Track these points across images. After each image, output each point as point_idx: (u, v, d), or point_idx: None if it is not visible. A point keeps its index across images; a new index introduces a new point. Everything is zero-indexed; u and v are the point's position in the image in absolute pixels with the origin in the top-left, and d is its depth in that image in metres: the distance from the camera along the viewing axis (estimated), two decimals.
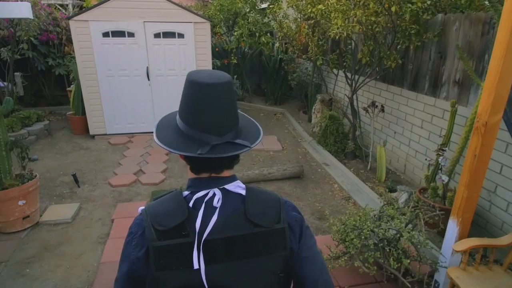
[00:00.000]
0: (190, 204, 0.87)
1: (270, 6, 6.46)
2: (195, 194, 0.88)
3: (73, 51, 5.62)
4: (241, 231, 0.86)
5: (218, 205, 0.87)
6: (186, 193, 0.90)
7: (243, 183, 0.96)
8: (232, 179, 0.93)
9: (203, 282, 0.84)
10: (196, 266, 0.83)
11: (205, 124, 0.86)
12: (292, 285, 0.99)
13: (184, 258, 0.84)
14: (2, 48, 6.24)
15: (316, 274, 0.96)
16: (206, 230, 0.84)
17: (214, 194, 0.88)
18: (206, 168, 0.90)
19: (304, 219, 1.00)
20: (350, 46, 5.20)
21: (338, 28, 4.03)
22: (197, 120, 0.87)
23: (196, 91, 0.90)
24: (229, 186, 0.90)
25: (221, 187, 0.89)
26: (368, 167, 4.69)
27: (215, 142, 0.85)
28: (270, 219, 0.89)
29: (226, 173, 0.92)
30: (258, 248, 0.88)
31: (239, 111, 0.96)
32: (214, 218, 0.85)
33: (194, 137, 0.87)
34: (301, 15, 6.17)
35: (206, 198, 0.88)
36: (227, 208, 0.88)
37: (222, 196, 0.89)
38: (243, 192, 0.91)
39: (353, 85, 4.85)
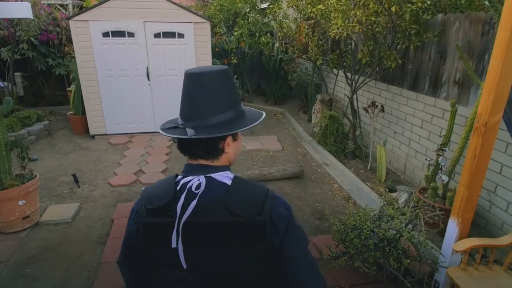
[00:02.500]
0: (178, 188, 0.94)
1: (270, 6, 6.45)
2: (184, 178, 0.96)
3: (73, 51, 5.62)
4: (219, 219, 0.90)
5: (199, 191, 0.92)
6: (179, 177, 0.98)
7: None
8: (221, 169, 0.97)
9: (181, 262, 0.91)
10: (173, 245, 0.90)
11: (181, 108, 0.98)
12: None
13: (165, 236, 0.91)
14: (2, 48, 6.24)
15: (303, 276, 0.94)
16: (185, 213, 0.90)
17: (198, 181, 0.94)
18: (183, 151, 1.01)
19: (292, 218, 0.96)
20: (350, 46, 5.20)
21: (338, 28, 4.03)
22: (180, 105, 0.99)
23: (184, 80, 0.98)
24: (216, 175, 0.95)
25: (208, 175, 0.95)
26: (368, 167, 4.69)
27: (178, 124, 0.97)
28: (251, 211, 0.89)
29: (216, 163, 0.98)
30: (235, 237, 0.90)
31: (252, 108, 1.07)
32: (194, 203, 0.91)
33: (175, 120, 1.02)
34: (301, 15, 6.17)
35: (190, 184, 0.94)
36: (209, 195, 0.92)
37: (206, 184, 0.93)
38: (229, 182, 0.94)
39: (353, 85, 4.85)
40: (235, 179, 0.95)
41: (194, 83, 0.95)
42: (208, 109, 0.95)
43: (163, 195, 0.94)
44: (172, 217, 0.91)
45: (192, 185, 0.94)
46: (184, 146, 0.99)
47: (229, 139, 0.98)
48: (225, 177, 0.96)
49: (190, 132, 0.93)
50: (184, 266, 0.92)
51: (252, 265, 0.93)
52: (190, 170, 0.98)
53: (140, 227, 0.94)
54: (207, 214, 0.91)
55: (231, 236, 0.90)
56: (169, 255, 0.92)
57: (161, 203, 0.93)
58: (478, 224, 3.15)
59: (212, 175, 0.95)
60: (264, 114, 1.06)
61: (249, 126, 0.98)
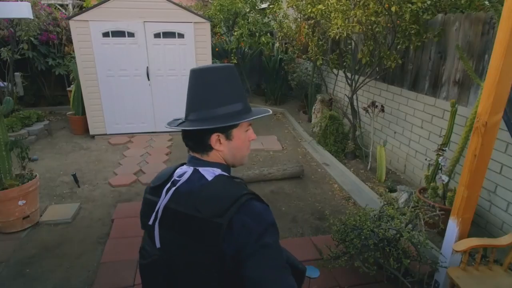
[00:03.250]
0: (174, 173, 1.03)
1: (270, 6, 6.45)
2: (182, 166, 1.05)
3: (73, 51, 5.62)
4: (186, 210, 0.93)
5: (181, 179, 0.98)
6: (183, 165, 1.06)
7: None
8: (211, 165, 1.00)
9: (155, 240, 0.98)
10: (150, 222, 1.00)
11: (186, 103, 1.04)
12: None
13: (151, 213, 1.00)
14: (2, 48, 6.24)
15: None
16: (165, 198, 0.98)
17: (184, 171, 1.01)
18: (184, 142, 1.04)
19: (263, 234, 0.85)
20: (350, 46, 5.20)
21: (338, 28, 4.03)
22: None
23: (189, 77, 1.04)
24: (202, 169, 0.99)
25: (196, 167, 1.00)
26: (368, 167, 4.69)
27: (182, 118, 1.04)
28: (211, 210, 0.88)
29: (205, 157, 1.01)
30: (194, 233, 0.91)
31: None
32: (172, 190, 0.98)
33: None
34: (301, 15, 6.17)
35: (180, 172, 1.01)
36: (186, 186, 0.97)
37: (190, 175, 0.98)
38: (210, 178, 0.96)
39: (353, 85, 4.85)
40: (217, 177, 0.96)
41: (195, 78, 1.00)
42: (201, 103, 1.00)
43: (161, 177, 1.05)
44: (158, 198, 1.00)
45: (181, 173, 1.00)
46: (183, 137, 1.05)
47: (219, 136, 0.98)
48: (210, 173, 0.98)
49: (173, 124, 1.02)
50: (158, 245, 0.98)
51: (206, 267, 0.89)
52: (188, 161, 1.05)
53: (142, 201, 1.08)
54: (180, 203, 0.95)
55: (191, 230, 0.92)
56: (150, 232, 1.00)
57: (157, 184, 1.03)
58: (478, 224, 3.15)
59: (199, 168, 0.99)
60: (269, 112, 1.06)
61: (229, 123, 0.97)
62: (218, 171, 0.99)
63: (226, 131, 0.99)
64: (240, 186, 0.96)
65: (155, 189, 1.03)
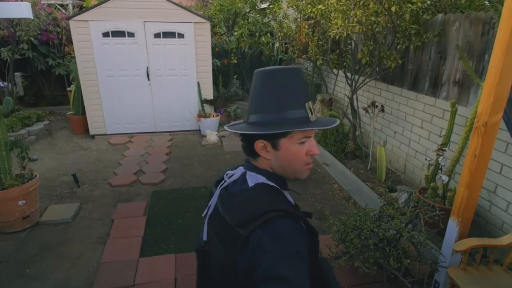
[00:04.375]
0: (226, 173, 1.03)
1: (270, 6, 6.45)
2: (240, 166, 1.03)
3: (73, 51, 5.63)
4: (222, 211, 0.93)
5: (229, 180, 0.99)
6: None
7: None
8: (259, 171, 0.96)
9: (203, 232, 1.02)
10: (203, 214, 1.03)
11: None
12: None
13: (207, 205, 1.03)
14: (2, 48, 6.24)
15: None
16: (216, 195, 1.00)
17: (234, 172, 1.01)
18: None
19: (271, 261, 0.76)
20: (350, 46, 5.20)
21: (338, 28, 4.03)
22: None
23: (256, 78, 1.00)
24: (249, 174, 0.97)
25: (247, 170, 0.98)
26: (368, 167, 4.69)
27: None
28: (237, 219, 0.85)
29: (254, 163, 0.98)
30: (221, 234, 0.91)
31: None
32: (219, 190, 1.00)
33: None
34: (301, 15, 6.16)
35: (231, 172, 1.01)
36: (231, 188, 0.98)
37: (239, 177, 0.98)
38: (251, 185, 0.93)
39: (353, 85, 4.85)
40: (257, 185, 0.92)
41: (256, 79, 0.95)
42: (257, 106, 0.94)
43: (225, 172, 1.04)
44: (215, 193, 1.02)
45: (229, 173, 1.00)
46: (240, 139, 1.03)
47: (264, 144, 0.92)
48: (253, 179, 0.94)
49: (228, 127, 1.01)
50: (204, 237, 1.01)
51: (227, 273, 0.87)
52: (244, 162, 1.04)
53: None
54: (222, 203, 0.95)
55: (221, 233, 0.92)
56: (203, 222, 1.04)
57: (218, 178, 1.05)
58: (478, 224, 3.15)
59: (248, 171, 0.97)
60: (337, 122, 0.95)
61: (263, 132, 0.89)
62: (262, 179, 0.94)
63: (272, 140, 0.91)
64: (277, 200, 0.89)
65: (216, 183, 1.04)
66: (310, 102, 0.92)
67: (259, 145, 0.93)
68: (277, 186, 0.95)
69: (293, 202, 1.03)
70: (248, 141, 0.95)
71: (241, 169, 0.99)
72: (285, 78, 0.91)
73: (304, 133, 0.91)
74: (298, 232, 0.83)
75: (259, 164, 0.97)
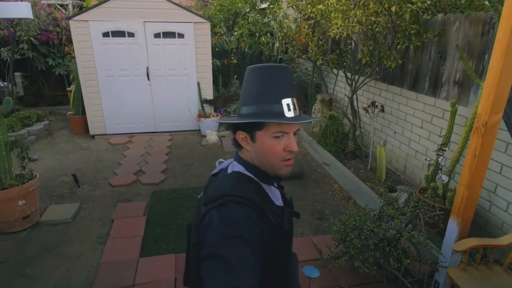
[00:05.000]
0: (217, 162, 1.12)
1: (270, 6, 6.45)
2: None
3: (73, 51, 5.62)
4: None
5: (217, 168, 1.08)
6: None
7: None
8: (240, 160, 1.02)
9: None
10: (198, 196, 1.08)
11: None
12: None
13: None
14: (2, 48, 6.24)
15: None
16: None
17: (223, 160, 1.10)
18: None
19: (221, 242, 0.80)
20: (350, 46, 5.20)
21: (338, 28, 4.03)
22: None
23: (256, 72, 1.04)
24: (233, 163, 1.04)
25: (234, 160, 1.05)
26: (368, 167, 4.69)
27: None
28: (204, 199, 0.93)
29: (240, 153, 1.04)
30: (196, 213, 0.99)
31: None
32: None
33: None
34: (301, 15, 6.16)
35: (222, 161, 1.10)
36: (218, 175, 1.06)
37: (226, 167, 1.05)
38: (228, 172, 1.01)
39: (353, 85, 4.85)
40: (233, 173, 0.99)
41: (246, 75, 1.00)
42: (243, 99, 0.99)
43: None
44: None
45: (221, 161, 1.09)
46: None
47: (245, 135, 0.97)
48: (234, 167, 1.01)
49: (229, 118, 1.07)
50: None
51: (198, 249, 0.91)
52: None
53: None
54: (206, 186, 1.05)
55: (197, 211, 1.00)
56: None
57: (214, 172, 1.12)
58: (478, 224, 3.15)
59: (233, 161, 1.04)
60: (311, 120, 1.00)
61: (235, 121, 0.97)
62: (240, 168, 0.99)
63: (250, 132, 0.95)
64: (243, 187, 0.92)
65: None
66: (292, 99, 0.94)
67: (240, 136, 0.98)
68: (254, 178, 0.98)
69: (279, 198, 1.05)
70: (233, 132, 1.01)
71: (229, 160, 1.07)
72: (267, 75, 0.94)
73: (279, 128, 0.92)
74: (249, 220, 0.85)
75: (243, 155, 1.02)
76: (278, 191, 1.08)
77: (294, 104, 0.94)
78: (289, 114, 0.92)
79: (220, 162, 1.08)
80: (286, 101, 0.92)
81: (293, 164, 1.02)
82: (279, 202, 1.04)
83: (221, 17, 7.71)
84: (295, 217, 1.06)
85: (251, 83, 0.96)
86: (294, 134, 0.96)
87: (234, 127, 0.99)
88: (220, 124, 6.23)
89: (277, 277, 0.96)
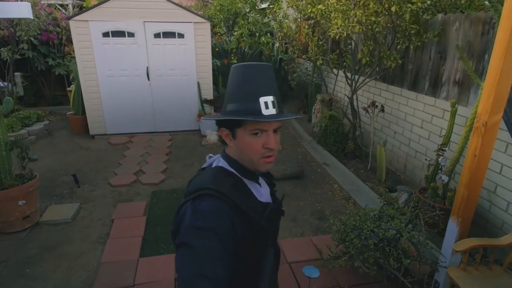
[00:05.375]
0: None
1: (270, 6, 6.45)
2: None
3: (73, 51, 5.62)
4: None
5: (206, 162, 1.10)
6: None
7: None
8: (225, 156, 1.05)
9: None
10: None
11: None
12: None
13: None
14: (2, 48, 6.24)
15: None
16: None
17: (212, 156, 1.12)
18: None
19: (189, 231, 0.86)
20: (350, 46, 5.20)
21: (338, 28, 4.03)
22: None
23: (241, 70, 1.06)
24: (218, 159, 1.07)
25: (220, 156, 1.08)
26: (368, 167, 4.69)
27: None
28: (186, 192, 0.98)
29: (226, 149, 1.05)
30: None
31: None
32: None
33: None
34: (301, 15, 6.16)
35: (211, 156, 1.13)
36: (206, 168, 1.09)
37: (211, 161, 1.09)
38: (213, 166, 1.05)
39: (353, 85, 4.85)
40: (215, 167, 1.03)
41: (231, 72, 1.01)
42: (227, 97, 1.01)
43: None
44: None
45: (210, 155, 1.12)
46: None
47: (227, 132, 1.00)
48: (220, 162, 1.04)
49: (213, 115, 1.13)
50: None
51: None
52: None
53: None
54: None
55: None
56: None
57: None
58: (478, 224, 3.15)
59: (220, 156, 1.07)
60: (291, 117, 1.00)
61: (214, 118, 1.02)
62: (223, 163, 1.03)
63: (231, 129, 0.98)
64: (220, 182, 0.94)
65: None
66: (271, 97, 0.95)
67: (223, 133, 1.01)
68: (235, 173, 1.01)
69: (265, 194, 1.07)
70: (218, 129, 1.05)
71: (219, 154, 1.09)
72: (247, 73, 0.96)
73: (256, 125, 0.94)
74: (221, 213, 0.88)
75: (228, 151, 1.04)
76: (267, 188, 1.12)
77: (273, 102, 0.94)
78: (267, 112, 0.93)
79: (210, 157, 1.11)
80: (263, 99, 0.93)
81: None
82: (264, 198, 1.06)
83: (221, 17, 7.71)
84: (279, 215, 1.10)
85: (233, 81, 0.98)
86: (276, 131, 0.98)
87: (218, 124, 1.02)
88: None
89: (252, 271, 0.97)
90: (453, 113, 3.21)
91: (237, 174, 1.01)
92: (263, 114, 0.93)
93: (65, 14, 7.61)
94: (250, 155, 0.97)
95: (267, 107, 0.93)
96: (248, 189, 1.01)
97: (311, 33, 5.48)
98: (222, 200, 0.90)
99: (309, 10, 4.63)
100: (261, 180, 1.11)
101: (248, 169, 1.01)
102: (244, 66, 0.97)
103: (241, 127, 0.96)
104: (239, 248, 0.90)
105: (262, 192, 1.06)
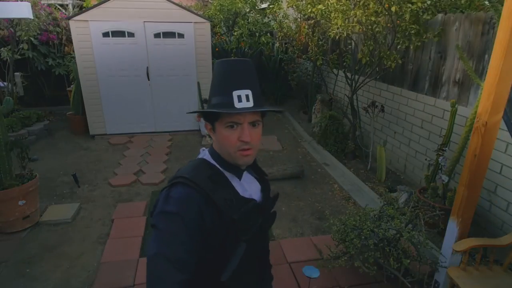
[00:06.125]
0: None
1: (270, 6, 6.45)
2: None
3: (73, 51, 5.62)
4: None
5: (199, 154, 1.12)
6: None
7: None
8: (210, 150, 1.08)
9: None
10: None
11: None
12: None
13: None
14: (2, 48, 6.24)
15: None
16: None
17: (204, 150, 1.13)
18: None
19: (157, 215, 0.94)
20: (350, 46, 5.20)
21: (338, 28, 4.03)
22: None
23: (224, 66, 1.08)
24: (205, 152, 1.10)
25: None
26: (368, 167, 4.69)
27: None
28: (169, 179, 1.01)
29: (213, 143, 1.08)
30: None
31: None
32: None
33: None
34: (301, 15, 6.17)
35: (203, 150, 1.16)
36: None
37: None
38: (198, 157, 1.09)
39: (353, 85, 4.85)
40: (197, 159, 1.07)
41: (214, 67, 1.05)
42: (210, 90, 1.04)
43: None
44: None
45: (204, 147, 1.14)
46: None
47: (210, 126, 1.03)
48: (205, 155, 1.07)
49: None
50: None
51: None
52: None
53: None
54: None
55: None
56: None
57: None
58: (478, 224, 3.15)
59: (208, 149, 1.10)
60: (265, 109, 1.00)
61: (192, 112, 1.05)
62: (206, 156, 1.06)
63: (212, 123, 1.01)
64: (196, 172, 0.98)
65: None
66: (245, 91, 0.96)
67: (207, 127, 1.05)
68: (217, 166, 1.03)
69: (249, 190, 1.08)
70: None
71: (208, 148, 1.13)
72: (225, 68, 0.99)
73: (229, 118, 0.96)
74: (189, 200, 0.93)
75: (213, 144, 1.08)
76: (255, 185, 1.13)
77: (247, 96, 0.96)
78: (239, 105, 0.94)
79: (203, 150, 1.14)
80: (237, 93, 0.95)
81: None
82: (248, 194, 1.07)
83: (221, 17, 7.71)
84: (263, 212, 1.10)
85: (213, 77, 1.02)
86: (255, 125, 0.99)
87: (204, 119, 1.06)
88: None
89: (221, 263, 0.98)
90: (453, 113, 3.21)
91: (219, 167, 1.03)
92: (235, 107, 0.95)
93: (65, 14, 7.61)
94: (227, 148, 1.00)
95: (240, 100, 0.95)
96: (228, 182, 1.03)
97: (311, 33, 5.49)
98: (194, 189, 0.93)
99: (309, 10, 4.63)
100: (248, 176, 1.12)
101: (229, 162, 1.03)
102: (221, 62, 1.00)
103: (218, 121, 0.99)
104: (209, 238, 0.94)
105: (246, 187, 1.08)
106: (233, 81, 0.97)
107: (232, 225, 0.97)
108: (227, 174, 1.04)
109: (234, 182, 1.05)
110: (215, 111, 0.96)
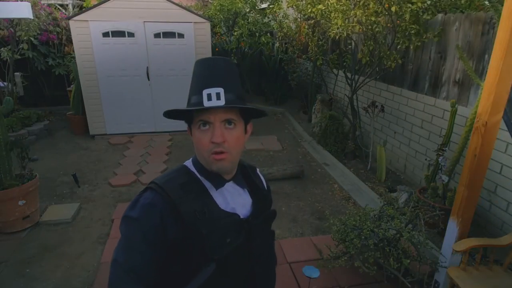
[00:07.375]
0: None
1: (270, 6, 6.46)
2: None
3: (73, 51, 5.62)
4: None
5: None
6: None
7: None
8: (194, 155, 1.02)
9: None
10: None
11: None
12: None
13: None
14: (2, 48, 6.24)
15: None
16: None
17: None
18: None
19: (123, 219, 0.92)
20: (350, 46, 5.20)
21: (338, 28, 4.03)
22: None
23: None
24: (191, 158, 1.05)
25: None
26: (368, 167, 4.69)
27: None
28: None
29: None
30: None
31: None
32: None
33: None
34: (301, 15, 6.17)
35: None
36: None
37: None
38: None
39: (353, 85, 4.85)
40: (179, 165, 1.02)
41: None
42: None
43: None
44: None
45: None
46: None
47: (188, 129, 0.99)
48: (188, 162, 1.02)
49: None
50: None
51: None
52: None
53: None
54: None
55: None
56: None
57: None
58: (478, 224, 3.15)
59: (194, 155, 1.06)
60: (252, 107, 0.95)
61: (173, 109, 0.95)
62: (188, 162, 1.01)
63: (188, 125, 0.97)
64: (170, 178, 0.93)
65: None
66: (217, 89, 0.90)
67: (188, 131, 0.99)
68: (195, 173, 0.97)
69: (231, 202, 0.98)
70: None
71: None
72: (199, 67, 0.95)
73: (199, 117, 0.91)
74: (151, 208, 0.88)
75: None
76: (245, 198, 1.03)
77: (217, 94, 0.89)
78: (208, 103, 0.88)
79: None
80: (207, 91, 0.89)
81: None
82: (230, 208, 0.97)
83: (221, 17, 7.70)
84: (239, 229, 0.97)
85: (192, 76, 0.98)
86: (230, 124, 0.92)
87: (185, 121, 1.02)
88: None
89: (187, 275, 0.90)
90: (453, 113, 3.21)
91: (198, 175, 0.96)
92: (203, 106, 0.89)
93: (65, 14, 7.61)
94: (201, 151, 0.93)
95: (209, 99, 0.89)
96: (206, 192, 0.94)
97: (311, 33, 5.49)
98: (161, 196, 0.89)
99: (309, 10, 4.63)
100: (234, 187, 1.01)
101: (209, 170, 0.95)
102: (197, 61, 0.97)
103: (192, 123, 0.95)
104: (173, 248, 0.87)
105: (229, 200, 0.98)
106: (204, 79, 0.92)
107: (200, 240, 0.89)
108: (207, 183, 0.96)
109: (215, 192, 0.96)
110: (178, 109, 0.92)
